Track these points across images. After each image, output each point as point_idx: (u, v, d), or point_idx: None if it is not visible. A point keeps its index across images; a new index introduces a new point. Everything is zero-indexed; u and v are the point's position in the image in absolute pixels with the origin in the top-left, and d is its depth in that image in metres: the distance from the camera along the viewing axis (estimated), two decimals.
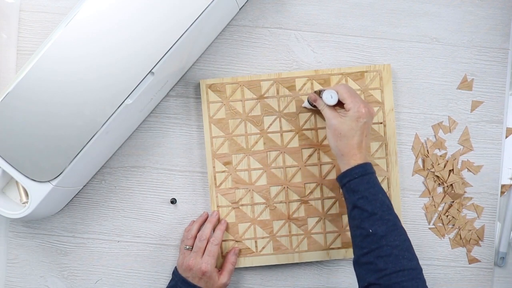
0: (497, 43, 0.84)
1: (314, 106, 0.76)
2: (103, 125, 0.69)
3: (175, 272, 0.77)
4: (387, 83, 0.82)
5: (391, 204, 0.68)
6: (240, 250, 0.81)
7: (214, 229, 0.80)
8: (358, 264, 0.67)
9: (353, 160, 0.69)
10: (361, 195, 0.67)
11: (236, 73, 0.83)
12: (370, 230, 0.66)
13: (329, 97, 0.71)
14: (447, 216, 0.83)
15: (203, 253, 0.76)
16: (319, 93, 0.73)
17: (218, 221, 0.81)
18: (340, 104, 0.71)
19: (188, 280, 0.74)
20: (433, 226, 0.84)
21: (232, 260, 0.79)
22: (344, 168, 0.70)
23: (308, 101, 0.78)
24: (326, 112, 0.72)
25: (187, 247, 0.77)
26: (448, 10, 0.84)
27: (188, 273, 0.75)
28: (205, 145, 0.82)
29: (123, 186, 0.83)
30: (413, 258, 0.66)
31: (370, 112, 0.70)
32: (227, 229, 0.81)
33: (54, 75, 0.68)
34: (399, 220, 0.68)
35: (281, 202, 0.81)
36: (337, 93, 0.71)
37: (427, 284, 0.65)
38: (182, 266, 0.76)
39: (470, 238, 0.84)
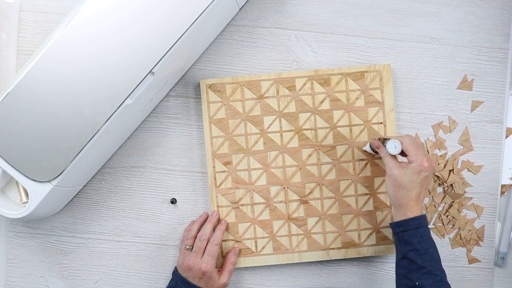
0: (497, 43, 0.84)
1: (376, 152, 0.77)
2: (103, 125, 0.69)
3: (175, 272, 0.77)
4: (387, 83, 0.82)
5: (440, 259, 0.70)
6: (240, 250, 0.81)
7: (214, 229, 0.80)
8: None
9: (410, 212, 0.70)
10: (413, 247, 0.69)
11: (236, 73, 0.83)
12: (417, 283, 0.68)
13: (393, 147, 0.71)
14: (447, 216, 0.83)
15: (203, 253, 0.76)
16: (383, 141, 0.74)
17: (218, 221, 0.81)
18: (402, 153, 0.72)
19: (188, 280, 0.74)
20: (433, 226, 0.84)
21: (232, 260, 0.79)
22: (399, 217, 0.71)
23: (370, 146, 0.79)
24: (388, 161, 0.72)
25: (187, 247, 0.77)
26: (448, 10, 0.84)
27: (188, 273, 0.75)
28: (205, 145, 0.82)
29: (123, 186, 0.83)
30: None
31: (432, 166, 0.71)
32: (227, 229, 0.81)
33: (54, 75, 0.68)
34: (446, 276, 0.70)
35: (281, 202, 0.81)
36: (401, 143, 0.71)
37: None
38: (182, 266, 0.76)
39: (470, 238, 0.84)
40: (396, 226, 0.71)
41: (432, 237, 0.71)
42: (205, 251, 0.76)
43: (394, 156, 0.72)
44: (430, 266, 0.68)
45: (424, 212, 0.71)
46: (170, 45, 0.69)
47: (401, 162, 0.72)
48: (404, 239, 0.70)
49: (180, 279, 0.75)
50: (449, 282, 0.84)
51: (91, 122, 0.69)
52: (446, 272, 0.83)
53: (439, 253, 0.71)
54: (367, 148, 0.80)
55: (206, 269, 0.74)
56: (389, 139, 0.72)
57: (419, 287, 0.67)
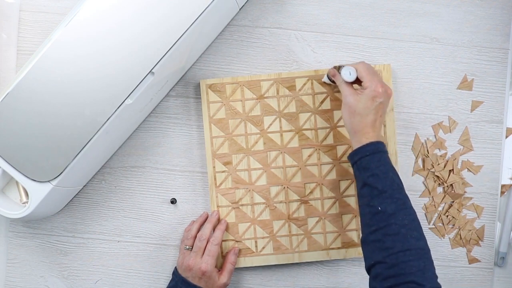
0: (497, 43, 0.84)
1: (333, 82, 0.76)
2: (103, 125, 0.69)
3: (175, 272, 0.77)
4: (387, 83, 0.82)
5: (402, 184, 0.68)
6: (240, 250, 0.81)
7: (214, 229, 0.80)
8: (365, 242, 0.67)
9: (365, 138, 0.68)
10: (371, 173, 0.67)
11: (236, 73, 0.83)
12: (379, 208, 0.65)
13: (348, 74, 0.71)
14: (447, 216, 0.83)
15: (203, 253, 0.76)
16: (338, 68, 0.73)
17: (218, 221, 0.81)
18: (358, 81, 0.72)
19: (188, 280, 0.74)
20: (433, 226, 0.84)
21: (232, 260, 0.79)
22: (356, 145, 0.70)
23: (327, 76, 0.78)
24: (343, 88, 0.72)
25: (187, 247, 0.77)
26: (448, 10, 0.84)
27: (188, 273, 0.75)
28: (205, 145, 0.82)
29: (123, 186, 0.83)
30: (421, 238, 0.65)
31: (387, 92, 0.70)
32: (227, 229, 0.81)
33: (54, 75, 0.68)
34: (409, 200, 0.67)
35: (281, 202, 0.81)
36: (356, 70, 0.71)
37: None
38: (182, 266, 0.76)
39: (470, 238, 0.84)
40: (354, 155, 0.69)
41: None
42: (205, 251, 0.76)
43: (350, 84, 0.72)
44: (391, 190, 0.66)
45: (382, 140, 0.70)
46: (170, 45, 0.69)
47: (356, 89, 0.71)
48: (362, 166, 0.68)
49: (180, 279, 0.75)
50: (449, 282, 0.84)
51: (91, 122, 0.69)
52: (445, 272, 0.84)
53: (402, 181, 0.69)
54: (325, 79, 0.80)
55: (206, 269, 0.74)
56: (344, 66, 0.72)
57: (382, 212, 0.65)
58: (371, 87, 0.69)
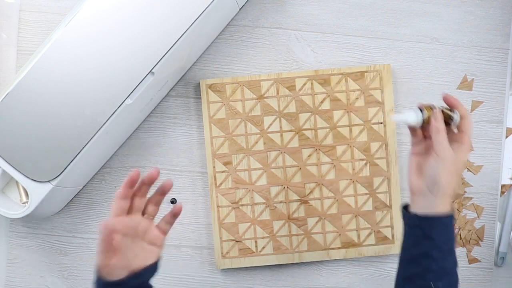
0: (497, 43, 0.84)
1: (425, 122, 0.60)
2: (103, 125, 0.70)
3: None
4: (387, 83, 0.82)
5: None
6: (240, 250, 0.81)
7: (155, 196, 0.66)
8: None
9: (444, 205, 0.60)
10: (437, 246, 0.60)
11: (236, 73, 0.83)
12: (432, 284, 0.59)
13: (457, 120, 0.60)
14: None
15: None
16: (449, 112, 0.60)
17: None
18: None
19: None
20: None
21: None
22: (430, 209, 0.60)
23: (420, 111, 0.59)
24: (444, 139, 0.59)
25: None
26: (448, 10, 0.84)
27: None
28: (205, 145, 0.82)
29: None
30: None
31: None
32: (227, 228, 0.81)
33: (54, 75, 0.68)
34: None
35: (281, 202, 0.81)
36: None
37: None
38: None
39: (470, 238, 0.84)
40: (426, 221, 0.60)
41: None
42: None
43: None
44: (451, 267, 0.61)
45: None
46: (170, 45, 0.69)
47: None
48: (429, 235, 0.60)
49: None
50: None
51: (91, 122, 0.69)
52: None
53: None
54: (410, 118, 0.59)
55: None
56: (453, 111, 0.60)
57: None
58: (469, 148, 0.60)
